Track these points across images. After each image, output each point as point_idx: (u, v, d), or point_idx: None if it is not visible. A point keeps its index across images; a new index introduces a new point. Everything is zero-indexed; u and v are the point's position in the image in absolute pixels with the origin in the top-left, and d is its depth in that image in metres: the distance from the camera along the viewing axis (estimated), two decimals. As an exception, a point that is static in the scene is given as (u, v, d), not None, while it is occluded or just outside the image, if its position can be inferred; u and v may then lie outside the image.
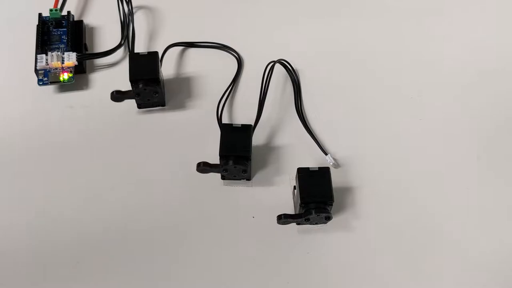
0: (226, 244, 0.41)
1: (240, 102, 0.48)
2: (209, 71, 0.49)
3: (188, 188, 0.44)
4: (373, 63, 0.50)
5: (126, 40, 0.50)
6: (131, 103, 0.46)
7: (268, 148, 0.46)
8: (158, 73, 0.44)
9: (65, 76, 0.46)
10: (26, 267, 0.40)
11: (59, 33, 0.48)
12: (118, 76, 0.48)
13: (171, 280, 0.40)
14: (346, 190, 0.44)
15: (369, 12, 0.53)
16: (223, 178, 0.43)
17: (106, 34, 0.51)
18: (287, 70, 0.48)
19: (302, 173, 0.41)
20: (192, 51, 0.50)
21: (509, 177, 0.45)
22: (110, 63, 0.49)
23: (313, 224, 0.41)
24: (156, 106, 0.47)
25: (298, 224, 0.42)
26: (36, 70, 0.46)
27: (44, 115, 0.47)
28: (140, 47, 0.50)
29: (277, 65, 0.47)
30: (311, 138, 0.45)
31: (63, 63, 0.47)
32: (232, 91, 0.48)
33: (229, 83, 0.48)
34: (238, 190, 0.44)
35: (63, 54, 0.47)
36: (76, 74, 0.47)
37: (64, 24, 0.49)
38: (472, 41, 0.51)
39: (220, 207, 0.43)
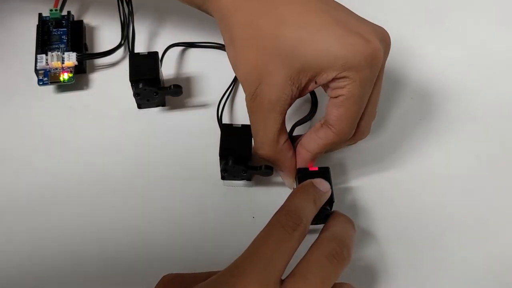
0: (226, 244, 0.41)
1: (240, 102, 0.47)
2: (209, 71, 0.49)
3: (188, 188, 0.44)
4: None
5: (126, 40, 0.50)
6: (131, 103, 0.46)
7: (268, 148, 0.45)
8: (158, 73, 0.44)
9: (65, 76, 0.46)
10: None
11: (59, 33, 0.48)
12: (118, 76, 0.48)
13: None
14: (346, 190, 0.44)
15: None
16: (223, 178, 0.43)
17: (106, 34, 0.51)
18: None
19: (302, 173, 0.41)
20: (192, 51, 0.50)
21: (510, 177, 0.45)
22: (110, 63, 0.49)
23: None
24: (156, 106, 0.47)
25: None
26: (36, 70, 0.46)
27: (44, 115, 0.47)
28: (140, 47, 0.50)
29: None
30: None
31: (63, 63, 0.47)
32: (232, 91, 0.48)
33: (229, 83, 0.48)
34: (238, 190, 0.44)
35: (63, 54, 0.47)
36: (76, 74, 0.47)
37: (64, 24, 0.49)
38: (471, 42, 0.52)
39: (220, 207, 0.43)
